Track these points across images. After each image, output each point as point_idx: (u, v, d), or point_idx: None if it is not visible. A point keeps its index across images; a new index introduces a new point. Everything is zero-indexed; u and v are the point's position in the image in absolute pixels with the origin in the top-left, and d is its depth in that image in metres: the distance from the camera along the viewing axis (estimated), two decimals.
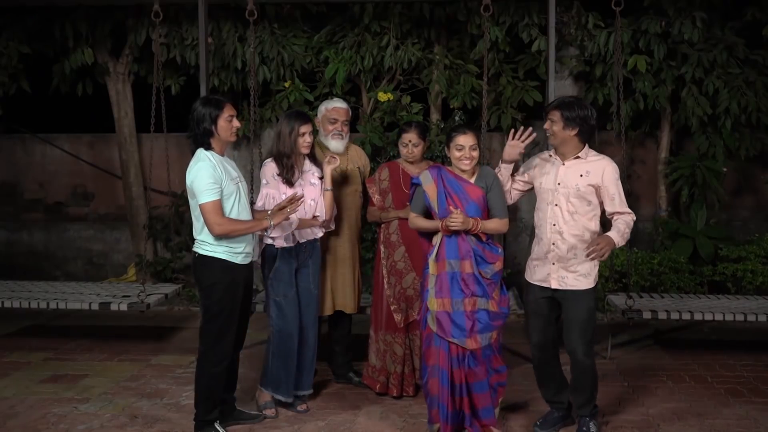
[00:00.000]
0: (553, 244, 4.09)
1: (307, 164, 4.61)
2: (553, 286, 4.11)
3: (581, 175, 4.05)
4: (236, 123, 4.18)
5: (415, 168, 4.84)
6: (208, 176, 3.99)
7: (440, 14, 7.09)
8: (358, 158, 5.14)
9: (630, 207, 4.14)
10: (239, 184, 4.19)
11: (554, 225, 4.09)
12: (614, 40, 6.11)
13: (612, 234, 3.99)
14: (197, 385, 4.21)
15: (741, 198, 7.83)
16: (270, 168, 4.51)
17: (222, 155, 4.17)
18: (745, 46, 6.99)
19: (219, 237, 4.05)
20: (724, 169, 7.23)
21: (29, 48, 7.26)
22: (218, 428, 4.22)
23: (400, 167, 4.92)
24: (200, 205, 4.00)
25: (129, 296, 5.86)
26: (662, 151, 7.55)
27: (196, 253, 4.15)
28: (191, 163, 4.09)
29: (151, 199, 7.57)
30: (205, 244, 4.09)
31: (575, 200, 4.05)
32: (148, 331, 6.61)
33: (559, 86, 6.65)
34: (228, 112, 4.12)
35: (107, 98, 7.87)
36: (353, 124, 6.94)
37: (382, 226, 4.94)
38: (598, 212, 4.12)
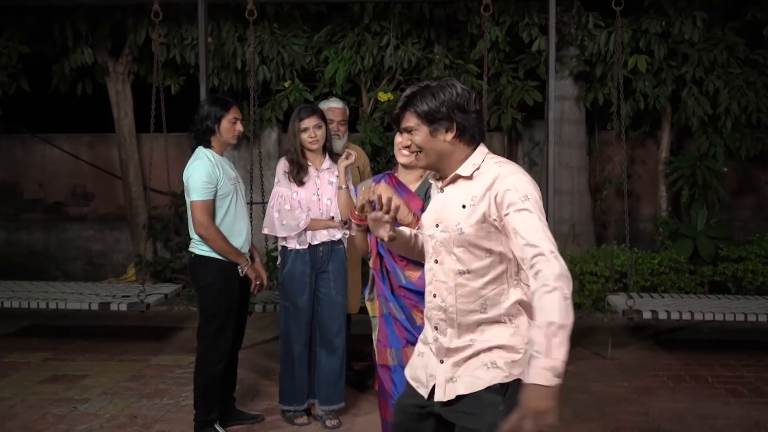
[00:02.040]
0: (436, 328, 2.40)
1: (327, 162, 4.35)
2: (437, 397, 2.37)
3: (464, 206, 2.31)
4: (239, 127, 4.16)
5: None
6: (204, 175, 3.99)
7: (440, 14, 7.09)
8: (358, 158, 5.12)
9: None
10: (237, 184, 4.19)
11: (435, 296, 2.41)
12: (614, 40, 6.10)
13: (531, 376, 2.09)
14: (196, 385, 4.21)
15: (741, 198, 7.82)
16: (281, 165, 4.35)
17: (221, 155, 4.17)
18: (746, 46, 6.99)
19: (198, 236, 4.05)
20: (725, 169, 7.23)
21: (29, 48, 7.26)
22: (218, 428, 4.21)
23: None
24: (191, 202, 4.01)
25: (129, 296, 5.85)
26: (663, 151, 7.55)
27: (192, 253, 4.15)
28: (190, 160, 4.10)
29: (150, 199, 7.56)
30: (202, 244, 4.09)
31: (461, 252, 2.32)
32: (148, 331, 6.61)
33: (559, 86, 6.65)
34: (233, 114, 4.12)
35: (107, 98, 7.87)
36: (353, 124, 6.95)
37: None
38: (512, 268, 2.32)
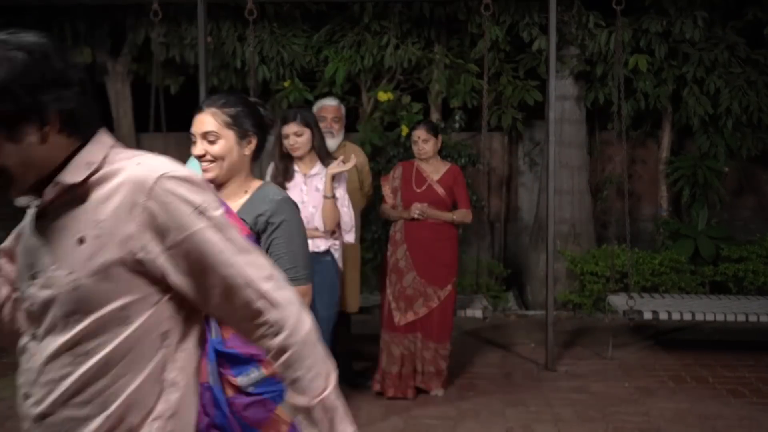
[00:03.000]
0: None
1: (317, 167, 4.14)
2: None
3: (82, 241, 1.36)
4: None
5: (429, 166, 4.91)
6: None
7: (440, 13, 7.07)
8: (355, 157, 5.10)
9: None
10: None
11: (28, 397, 1.45)
12: (615, 40, 6.08)
13: None
14: None
15: (742, 198, 7.81)
16: (269, 169, 4.30)
17: None
18: (747, 46, 6.97)
19: None
20: (726, 169, 7.21)
21: None
22: None
23: (414, 165, 4.95)
24: None
25: None
26: (663, 150, 7.53)
27: None
28: (189, 160, 4.08)
29: None
30: None
31: (75, 320, 1.36)
32: None
33: (560, 86, 6.64)
34: None
35: (106, 98, 7.86)
36: (353, 123, 6.93)
37: (392, 223, 5.01)
38: (174, 337, 1.43)
